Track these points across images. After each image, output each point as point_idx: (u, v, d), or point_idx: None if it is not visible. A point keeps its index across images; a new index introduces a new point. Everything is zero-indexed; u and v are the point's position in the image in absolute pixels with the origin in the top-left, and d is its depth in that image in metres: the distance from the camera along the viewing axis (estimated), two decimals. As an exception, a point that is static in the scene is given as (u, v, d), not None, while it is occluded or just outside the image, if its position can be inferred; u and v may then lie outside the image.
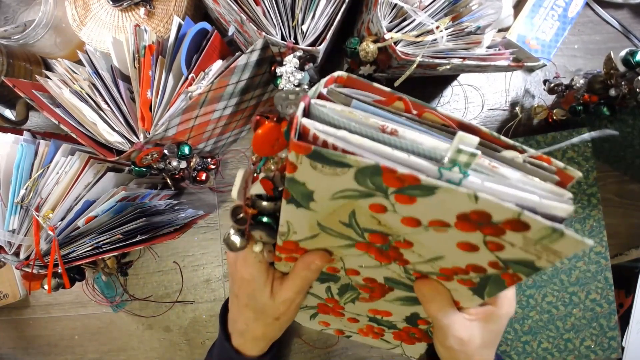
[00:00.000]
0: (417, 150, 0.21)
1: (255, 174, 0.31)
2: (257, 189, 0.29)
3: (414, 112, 0.24)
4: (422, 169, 0.21)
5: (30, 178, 0.45)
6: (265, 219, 0.30)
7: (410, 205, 0.23)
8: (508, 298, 0.33)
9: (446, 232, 0.25)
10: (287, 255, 0.33)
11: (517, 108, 0.58)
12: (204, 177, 0.54)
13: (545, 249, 0.22)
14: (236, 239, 0.31)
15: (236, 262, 0.36)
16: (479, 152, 0.20)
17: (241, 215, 0.30)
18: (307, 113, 0.22)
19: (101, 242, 0.46)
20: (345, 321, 0.43)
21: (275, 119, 0.27)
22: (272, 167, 0.28)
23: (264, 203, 0.29)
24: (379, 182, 0.22)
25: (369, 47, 0.42)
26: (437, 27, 0.40)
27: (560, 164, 0.23)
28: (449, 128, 0.23)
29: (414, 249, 0.29)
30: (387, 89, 0.24)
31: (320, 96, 0.23)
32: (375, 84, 0.24)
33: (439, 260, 0.29)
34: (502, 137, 0.23)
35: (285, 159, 0.25)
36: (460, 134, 0.20)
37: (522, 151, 0.23)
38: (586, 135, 0.25)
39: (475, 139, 0.20)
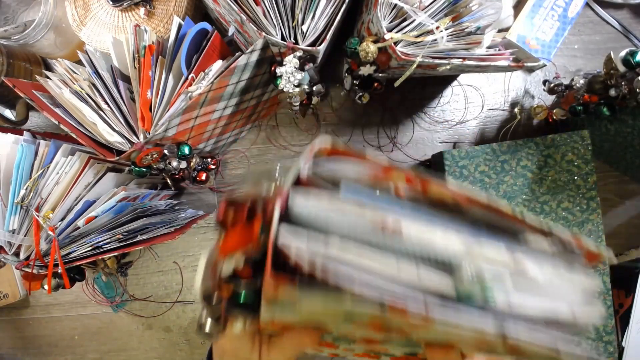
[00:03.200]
0: (426, 255, 0.17)
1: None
2: (228, 269, 0.23)
3: (418, 186, 0.19)
4: (438, 291, 0.17)
5: (30, 178, 0.45)
6: (242, 299, 0.24)
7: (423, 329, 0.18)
8: None
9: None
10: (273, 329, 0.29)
11: (516, 108, 0.58)
12: (204, 177, 0.54)
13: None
14: (211, 326, 0.27)
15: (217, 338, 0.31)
16: (495, 285, 0.17)
17: (215, 298, 0.26)
18: (285, 214, 0.17)
19: (101, 242, 0.46)
20: (340, 350, 0.41)
21: (245, 210, 0.20)
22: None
23: (242, 282, 0.23)
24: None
25: (369, 48, 0.42)
26: (437, 28, 0.40)
27: (591, 245, 0.20)
28: (459, 205, 0.19)
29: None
30: (384, 162, 0.19)
31: (299, 181, 0.19)
32: (368, 155, 0.19)
33: None
34: (526, 217, 0.19)
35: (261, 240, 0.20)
36: (475, 256, 0.17)
37: (548, 233, 0.20)
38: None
39: (496, 256, 0.17)
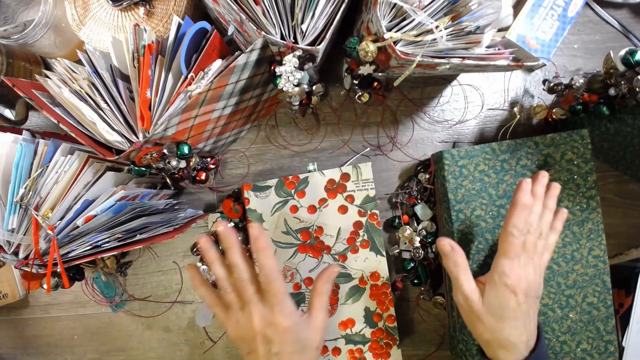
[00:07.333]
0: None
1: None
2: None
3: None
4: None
5: (29, 177, 0.45)
6: None
7: (304, 198, 0.45)
8: (497, 269, 0.43)
9: (328, 205, 0.45)
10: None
11: (516, 108, 0.58)
12: (203, 176, 0.54)
13: (363, 181, 0.45)
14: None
15: (271, 322, 0.38)
16: (315, 170, 0.50)
17: None
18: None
19: (100, 242, 0.46)
20: (330, 357, 0.52)
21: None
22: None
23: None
24: (286, 189, 0.45)
25: (368, 47, 0.42)
26: (437, 27, 0.40)
27: None
28: None
29: (325, 232, 0.46)
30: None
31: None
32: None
33: (341, 233, 0.47)
34: None
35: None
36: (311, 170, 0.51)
37: None
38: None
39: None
